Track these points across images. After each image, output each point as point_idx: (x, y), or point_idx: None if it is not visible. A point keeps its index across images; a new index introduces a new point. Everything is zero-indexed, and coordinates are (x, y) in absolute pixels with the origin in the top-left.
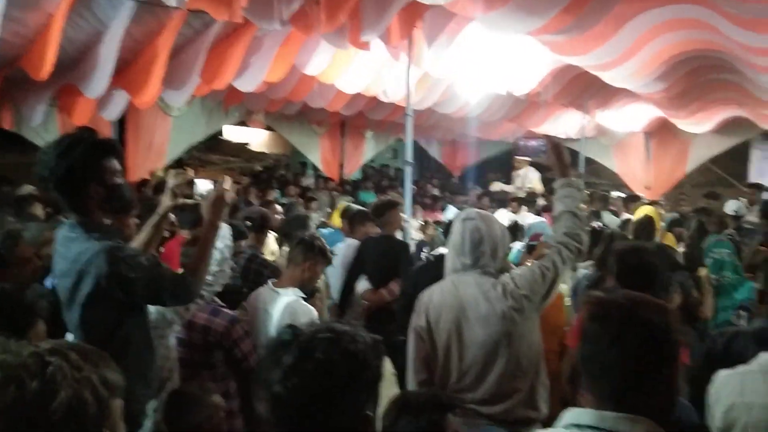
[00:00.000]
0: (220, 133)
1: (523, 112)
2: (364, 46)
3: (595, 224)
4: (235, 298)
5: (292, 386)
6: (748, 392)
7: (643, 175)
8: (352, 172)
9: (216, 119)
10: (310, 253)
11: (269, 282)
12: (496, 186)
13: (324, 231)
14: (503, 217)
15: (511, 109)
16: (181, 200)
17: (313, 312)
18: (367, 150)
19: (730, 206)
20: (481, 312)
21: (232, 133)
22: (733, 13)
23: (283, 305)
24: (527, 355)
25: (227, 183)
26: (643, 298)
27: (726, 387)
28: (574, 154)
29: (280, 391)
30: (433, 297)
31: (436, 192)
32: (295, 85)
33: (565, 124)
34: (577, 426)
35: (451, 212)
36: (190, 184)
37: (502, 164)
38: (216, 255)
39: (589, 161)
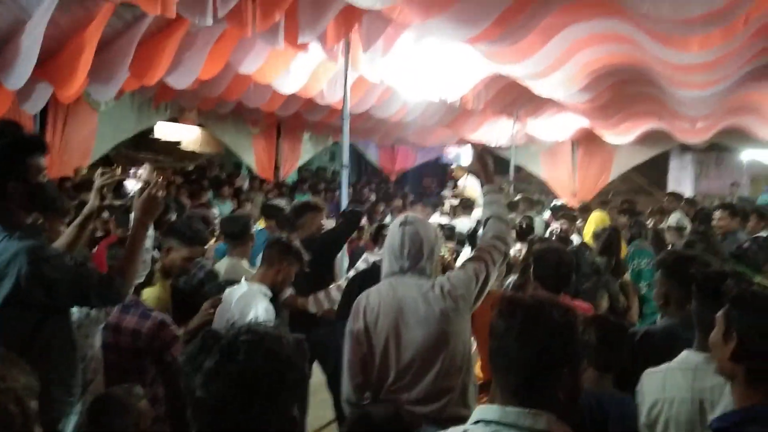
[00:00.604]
0: (150, 130)
1: (457, 119)
2: (301, 47)
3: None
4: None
5: (214, 391)
6: (669, 388)
7: (570, 182)
8: (289, 174)
9: (146, 116)
10: (287, 255)
11: (244, 277)
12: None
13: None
14: (436, 221)
15: (445, 115)
16: (107, 201)
17: (267, 309)
18: (304, 152)
19: (672, 219)
20: (420, 313)
21: (164, 130)
22: (652, 29)
23: (238, 296)
24: (461, 353)
25: (147, 172)
26: (549, 298)
27: (650, 384)
28: (505, 161)
29: (203, 396)
30: (370, 300)
31: (372, 196)
32: (229, 83)
33: (497, 131)
34: (484, 422)
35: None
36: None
37: (438, 169)
38: (146, 255)
39: (519, 168)
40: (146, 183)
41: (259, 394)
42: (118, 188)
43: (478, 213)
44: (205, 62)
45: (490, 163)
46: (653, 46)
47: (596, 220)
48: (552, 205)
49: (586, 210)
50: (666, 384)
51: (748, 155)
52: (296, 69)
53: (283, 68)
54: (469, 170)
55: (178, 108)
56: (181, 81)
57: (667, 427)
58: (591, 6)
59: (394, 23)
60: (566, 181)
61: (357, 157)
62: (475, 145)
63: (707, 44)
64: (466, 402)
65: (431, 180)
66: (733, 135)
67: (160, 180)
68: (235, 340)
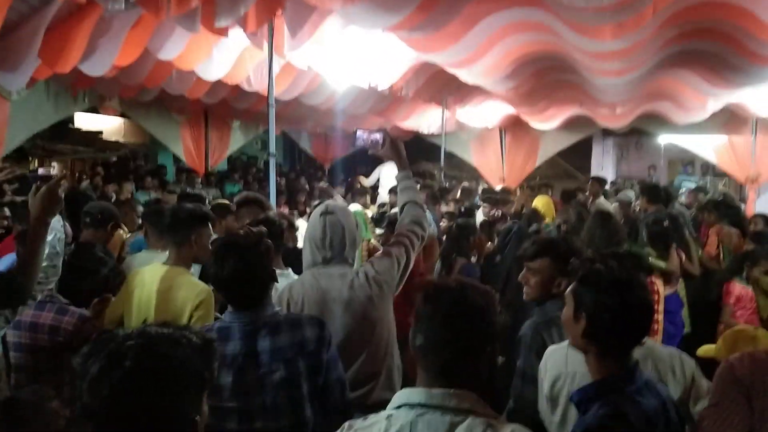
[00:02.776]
0: (70, 120)
1: (388, 107)
2: (221, 32)
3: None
4: None
5: (101, 397)
6: (571, 363)
7: (498, 168)
8: (218, 163)
9: (64, 105)
10: (189, 223)
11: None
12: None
13: None
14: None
15: (376, 103)
16: (8, 197)
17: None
18: (234, 141)
19: (626, 194)
20: (346, 302)
21: (84, 120)
22: (568, 18)
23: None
24: (386, 338)
25: (55, 170)
26: (470, 282)
27: (552, 359)
28: (437, 148)
29: (89, 402)
30: (293, 293)
31: (307, 186)
32: (150, 70)
33: (428, 119)
34: (409, 405)
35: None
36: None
37: (372, 157)
38: (46, 249)
39: (451, 155)
40: (48, 178)
41: (147, 401)
42: (24, 183)
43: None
44: (123, 48)
45: (403, 149)
46: (570, 35)
47: (542, 203)
48: (482, 190)
49: (507, 193)
50: (568, 359)
51: (665, 139)
52: (220, 55)
53: (206, 54)
54: (384, 157)
55: (97, 96)
56: (96, 68)
57: (564, 384)
58: None
59: (319, 9)
60: (495, 166)
61: (290, 145)
62: (386, 131)
63: (619, 33)
64: (392, 386)
65: (365, 168)
66: (651, 120)
67: (59, 174)
68: (123, 344)
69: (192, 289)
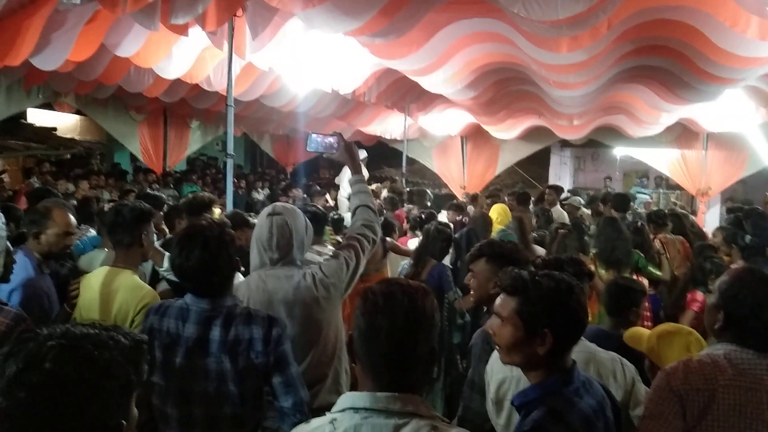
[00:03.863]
0: (22, 115)
1: (351, 112)
2: (181, 30)
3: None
4: None
5: (18, 400)
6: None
7: (460, 176)
8: (176, 164)
9: (16, 100)
10: (136, 222)
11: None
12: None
13: None
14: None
15: (339, 107)
16: None
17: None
18: (193, 141)
19: (576, 199)
20: (292, 303)
21: (38, 116)
22: (528, 31)
23: None
24: (333, 341)
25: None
26: (405, 283)
27: (498, 363)
28: (399, 154)
29: (6, 405)
30: (239, 294)
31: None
32: (106, 66)
33: (391, 125)
34: (353, 409)
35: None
36: None
37: (333, 161)
38: None
39: (413, 161)
40: None
41: (67, 406)
42: None
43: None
44: (78, 43)
45: (357, 153)
46: (528, 47)
47: (498, 210)
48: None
49: (474, 200)
50: None
51: (620, 152)
52: (179, 53)
53: (165, 52)
54: (338, 160)
55: (52, 92)
56: (49, 62)
57: (509, 388)
58: (469, 4)
59: (281, 11)
60: (457, 174)
61: (252, 147)
62: (341, 135)
63: (575, 46)
64: (338, 389)
65: (328, 171)
66: (607, 133)
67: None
68: (44, 344)
69: (135, 292)
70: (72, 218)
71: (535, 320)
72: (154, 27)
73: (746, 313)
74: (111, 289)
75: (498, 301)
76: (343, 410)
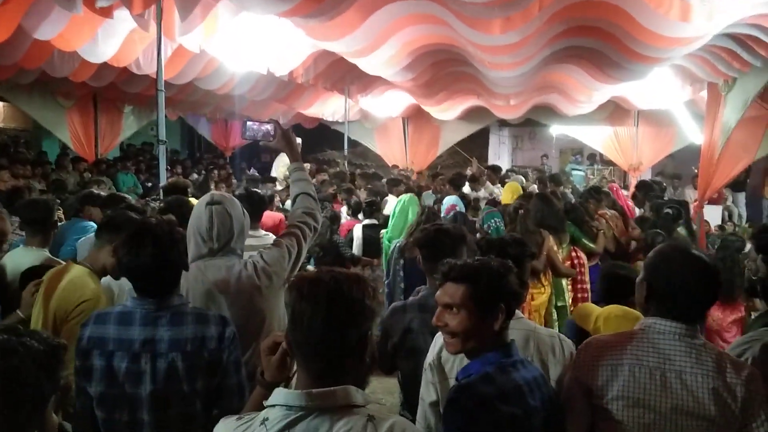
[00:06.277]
0: None
1: (290, 94)
2: (106, 13)
3: None
4: None
5: None
6: None
7: (402, 157)
8: (109, 150)
9: None
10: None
11: None
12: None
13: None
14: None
15: (278, 89)
16: None
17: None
18: (126, 127)
19: (518, 178)
20: (234, 293)
21: None
22: (459, 11)
23: None
24: (276, 330)
25: None
26: (338, 271)
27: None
28: (341, 136)
29: None
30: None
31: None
32: (27, 50)
33: (332, 107)
34: (286, 407)
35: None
36: None
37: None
38: None
39: (355, 143)
40: None
41: None
42: None
43: None
44: None
45: (295, 141)
46: (462, 28)
47: (513, 188)
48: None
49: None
50: None
51: (556, 130)
52: (105, 36)
53: (90, 35)
54: (275, 148)
55: None
56: None
57: (452, 367)
58: None
59: None
60: (399, 155)
61: (189, 132)
62: (278, 122)
63: (508, 27)
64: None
65: (270, 155)
66: (543, 112)
67: None
68: None
69: (77, 291)
70: (7, 225)
71: (491, 298)
72: (76, 9)
73: (664, 284)
74: (57, 285)
75: (443, 292)
76: (274, 406)
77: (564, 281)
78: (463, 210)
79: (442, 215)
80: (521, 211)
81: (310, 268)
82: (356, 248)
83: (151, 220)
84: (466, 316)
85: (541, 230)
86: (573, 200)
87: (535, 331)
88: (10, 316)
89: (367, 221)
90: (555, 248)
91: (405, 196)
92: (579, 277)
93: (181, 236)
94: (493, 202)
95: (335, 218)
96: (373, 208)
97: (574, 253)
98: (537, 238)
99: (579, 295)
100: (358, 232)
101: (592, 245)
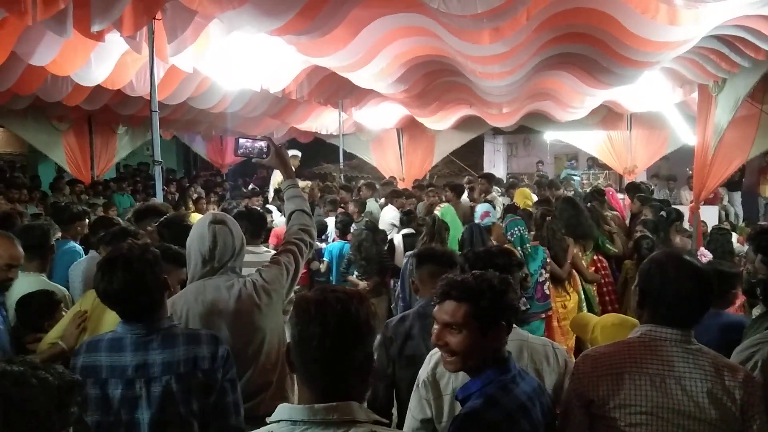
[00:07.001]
0: None
1: (284, 109)
2: (97, 37)
3: None
4: None
5: None
6: None
7: (398, 168)
8: (104, 172)
9: None
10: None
11: None
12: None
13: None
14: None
15: (271, 105)
16: None
17: None
18: (121, 148)
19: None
20: (234, 312)
21: None
22: (448, 23)
23: None
24: (276, 347)
25: None
26: (340, 290)
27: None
28: (337, 149)
29: None
30: (177, 307)
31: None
32: (20, 76)
33: (326, 120)
34: (291, 421)
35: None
36: None
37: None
38: None
39: (351, 156)
40: None
41: None
42: None
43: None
44: None
45: (288, 158)
46: (452, 39)
47: (525, 194)
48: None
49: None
50: None
51: (550, 136)
52: (98, 59)
53: (83, 59)
54: (269, 165)
55: None
56: None
57: (447, 383)
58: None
59: (201, 13)
60: (394, 166)
61: (184, 150)
62: (271, 139)
63: (497, 37)
64: (284, 395)
65: (266, 172)
66: (536, 119)
67: None
68: None
69: None
70: (19, 249)
71: (493, 316)
72: (67, 34)
73: (657, 290)
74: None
75: (443, 310)
76: (278, 421)
77: (590, 287)
78: (497, 217)
79: (476, 220)
80: (549, 218)
81: (352, 278)
82: (398, 258)
83: (124, 245)
84: (467, 335)
85: (565, 237)
86: None
87: (528, 341)
88: (53, 347)
89: (405, 230)
90: (579, 255)
91: (442, 207)
92: (604, 280)
93: (154, 257)
94: (513, 209)
95: (376, 229)
96: (410, 216)
97: (596, 257)
98: (563, 244)
99: (606, 298)
100: (398, 241)
101: (613, 249)
